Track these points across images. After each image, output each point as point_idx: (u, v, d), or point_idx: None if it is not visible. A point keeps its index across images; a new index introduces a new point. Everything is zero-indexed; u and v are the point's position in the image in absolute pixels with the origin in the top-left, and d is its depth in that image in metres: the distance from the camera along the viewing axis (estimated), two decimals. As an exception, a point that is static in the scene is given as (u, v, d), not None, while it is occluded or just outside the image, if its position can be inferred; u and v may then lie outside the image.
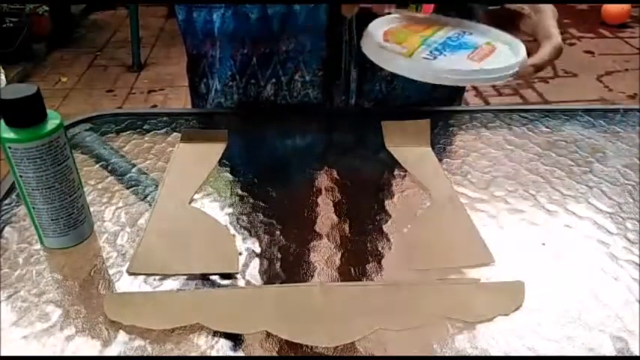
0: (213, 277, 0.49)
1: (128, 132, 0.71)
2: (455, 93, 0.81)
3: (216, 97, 0.78)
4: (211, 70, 0.77)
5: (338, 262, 0.51)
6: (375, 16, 0.54)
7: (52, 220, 0.50)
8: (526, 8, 0.53)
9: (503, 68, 0.47)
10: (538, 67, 0.49)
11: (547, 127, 0.72)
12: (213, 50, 0.75)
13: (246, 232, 0.55)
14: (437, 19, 0.54)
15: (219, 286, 0.49)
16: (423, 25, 0.52)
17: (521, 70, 0.48)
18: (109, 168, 0.64)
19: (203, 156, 0.66)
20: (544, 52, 0.50)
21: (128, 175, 0.63)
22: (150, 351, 0.43)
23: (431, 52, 0.48)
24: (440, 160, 0.65)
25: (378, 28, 0.51)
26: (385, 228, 0.55)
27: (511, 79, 0.48)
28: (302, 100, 0.74)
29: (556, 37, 0.50)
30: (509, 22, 0.55)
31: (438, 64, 0.46)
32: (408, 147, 0.67)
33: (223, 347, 0.43)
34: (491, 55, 0.49)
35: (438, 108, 0.77)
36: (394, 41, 0.49)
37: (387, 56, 0.46)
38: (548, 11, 0.52)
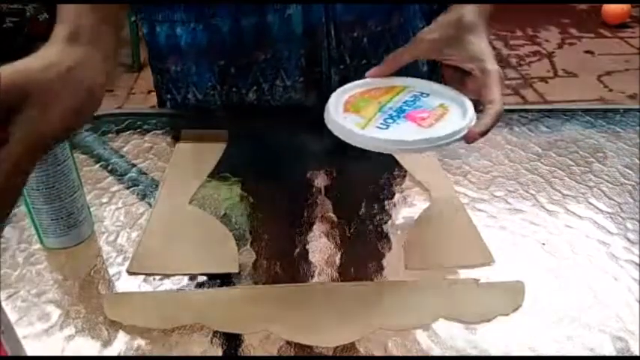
0: (213, 277, 0.49)
1: (128, 132, 0.71)
2: None
3: (198, 104, 0.76)
4: (176, 86, 0.75)
5: (338, 262, 0.51)
6: None
7: (52, 220, 0.50)
8: (474, 68, 0.54)
9: (450, 134, 0.49)
10: (482, 133, 0.50)
11: (547, 127, 0.72)
12: (177, 66, 0.73)
13: (246, 232, 0.55)
14: (399, 81, 0.57)
15: (219, 286, 0.49)
16: (382, 90, 0.55)
17: (468, 135, 0.50)
18: (109, 168, 0.64)
19: (203, 156, 0.66)
20: (487, 120, 0.51)
21: (128, 175, 0.63)
22: (150, 351, 0.43)
23: (385, 120, 0.50)
24: (440, 160, 0.65)
25: (339, 98, 0.54)
26: (385, 228, 0.55)
27: (457, 143, 0.50)
28: (285, 103, 0.74)
29: (498, 104, 0.51)
30: (460, 80, 0.56)
31: (388, 134, 0.48)
32: (408, 147, 0.67)
33: (223, 347, 0.43)
34: (442, 119, 0.51)
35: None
36: (353, 111, 0.51)
37: (344, 129, 0.49)
38: (495, 73, 0.53)
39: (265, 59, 0.71)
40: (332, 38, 0.69)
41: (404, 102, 0.53)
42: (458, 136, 0.49)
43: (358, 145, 0.48)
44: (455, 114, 0.52)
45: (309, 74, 0.72)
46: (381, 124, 0.49)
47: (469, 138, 0.50)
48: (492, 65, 0.53)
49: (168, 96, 0.77)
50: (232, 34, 0.69)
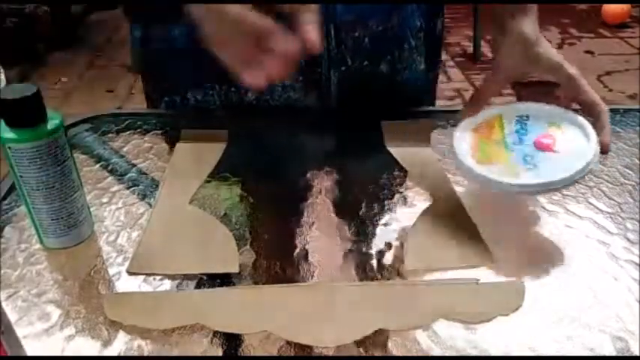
0: (213, 277, 0.49)
1: (128, 132, 0.71)
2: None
3: (197, 104, 0.76)
4: (175, 88, 0.75)
5: (338, 262, 0.51)
6: None
7: (52, 220, 0.50)
8: (559, 78, 0.55)
9: (594, 156, 0.51)
10: (609, 138, 0.52)
11: (547, 127, 0.72)
12: (174, 68, 0.73)
13: (246, 232, 0.55)
14: (489, 111, 0.58)
15: (219, 286, 0.49)
16: (484, 125, 0.57)
17: (602, 148, 0.53)
18: (109, 168, 0.64)
19: (203, 156, 0.66)
20: (605, 124, 0.52)
21: (128, 175, 0.63)
22: (150, 351, 0.43)
23: (524, 159, 0.53)
24: (440, 160, 0.65)
25: (460, 149, 0.55)
26: (385, 228, 0.55)
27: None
28: (285, 101, 0.74)
29: (601, 102, 0.53)
30: (543, 94, 0.57)
31: (540, 176, 0.51)
32: (408, 147, 0.67)
33: (223, 347, 0.43)
34: (564, 137, 0.54)
35: (438, 108, 0.77)
36: (486, 161, 0.53)
37: (495, 184, 0.51)
38: (579, 75, 0.54)
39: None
40: (332, 38, 0.69)
41: (516, 132, 0.55)
42: (598, 151, 0.52)
43: (514, 193, 0.51)
44: (568, 128, 0.54)
45: (308, 74, 0.72)
46: (526, 167, 0.51)
47: (604, 148, 0.52)
48: (573, 69, 0.55)
49: (166, 99, 0.77)
50: None
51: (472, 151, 0.55)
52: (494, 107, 0.59)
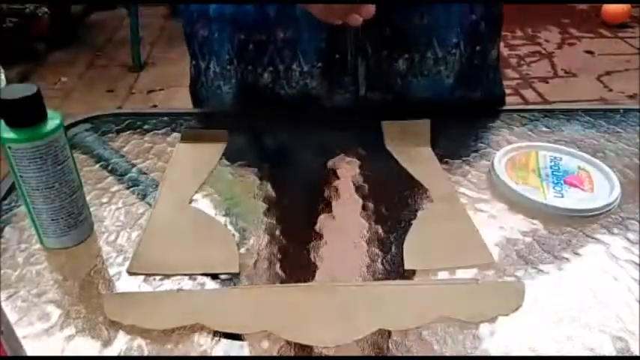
0: (213, 277, 0.49)
1: (128, 132, 0.71)
2: (484, 94, 0.79)
3: (216, 79, 0.77)
4: (202, 52, 0.76)
5: (338, 262, 0.51)
6: None
7: (52, 220, 0.50)
8: None
9: (615, 201, 0.58)
10: None
11: (547, 127, 0.72)
12: (204, 31, 0.74)
13: (246, 232, 0.55)
14: (525, 147, 0.66)
15: (220, 286, 0.49)
16: (522, 156, 0.65)
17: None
18: (109, 168, 0.64)
19: (203, 156, 0.66)
20: None
21: (128, 175, 0.63)
22: (150, 351, 0.43)
23: (554, 187, 0.59)
24: (440, 160, 0.65)
25: (499, 170, 0.62)
26: (385, 228, 0.55)
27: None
28: (301, 90, 0.74)
29: None
30: None
31: (568, 202, 0.57)
32: (408, 147, 0.67)
33: (223, 347, 0.43)
34: (591, 180, 0.61)
35: (436, 107, 0.76)
36: (520, 182, 0.60)
37: (524, 200, 0.58)
38: None
39: (284, 38, 0.70)
40: (358, 27, 0.69)
41: (550, 168, 0.62)
42: (620, 196, 0.58)
43: (538, 211, 0.57)
44: (595, 173, 0.62)
45: (327, 60, 0.72)
46: (555, 196, 0.58)
47: None
48: None
49: (193, 62, 0.78)
50: (256, 6, 0.69)
51: (508, 172, 0.61)
52: (532, 144, 0.67)
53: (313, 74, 0.73)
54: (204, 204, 0.59)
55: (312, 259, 0.51)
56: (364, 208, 0.58)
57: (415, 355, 0.43)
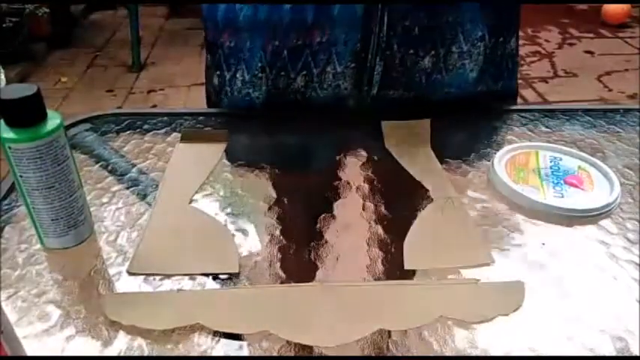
0: (213, 277, 0.49)
1: (128, 132, 0.71)
2: (502, 89, 0.80)
3: (244, 87, 0.76)
4: (227, 62, 0.76)
5: (338, 262, 0.51)
6: None
7: (52, 220, 0.50)
8: None
9: (615, 201, 0.58)
10: None
11: (547, 127, 0.72)
12: (232, 40, 0.73)
13: (246, 232, 0.55)
14: (525, 147, 0.66)
15: (220, 286, 0.49)
16: (523, 156, 0.65)
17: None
18: (109, 168, 0.64)
19: (203, 156, 0.66)
20: None
21: (128, 175, 0.63)
22: (150, 351, 0.43)
23: (554, 187, 0.59)
24: (440, 160, 0.65)
25: (500, 169, 0.62)
26: (385, 228, 0.55)
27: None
28: (333, 91, 0.74)
29: None
30: None
31: (566, 202, 0.57)
32: (408, 147, 0.67)
33: (223, 347, 0.43)
34: (590, 179, 0.61)
35: (437, 107, 0.76)
36: (522, 182, 0.60)
37: (524, 199, 0.58)
38: None
39: (320, 42, 0.70)
40: (384, 24, 0.69)
41: (550, 168, 0.62)
42: (620, 195, 0.59)
43: (538, 211, 0.57)
44: (595, 173, 0.62)
45: (360, 60, 0.71)
46: (554, 195, 0.58)
47: None
48: None
49: (217, 72, 0.77)
50: (293, 11, 0.69)
51: (508, 172, 0.62)
52: (532, 144, 0.67)
53: (346, 75, 0.73)
54: (204, 204, 0.59)
55: (312, 259, 0.51)
56: (364, 208, 0.58)
57: (415, 355, 0.43)
